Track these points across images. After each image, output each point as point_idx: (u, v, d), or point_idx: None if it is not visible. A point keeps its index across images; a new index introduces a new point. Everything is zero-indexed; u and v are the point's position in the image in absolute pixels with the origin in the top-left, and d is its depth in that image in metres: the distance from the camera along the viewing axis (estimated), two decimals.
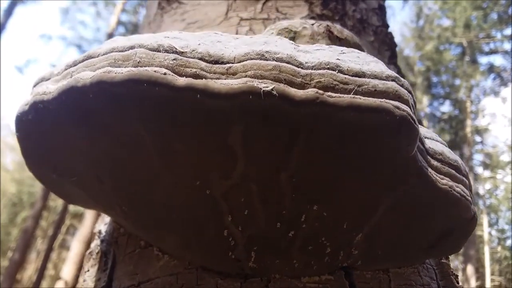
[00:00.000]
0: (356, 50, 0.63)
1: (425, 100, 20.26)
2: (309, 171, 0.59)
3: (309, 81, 0.53)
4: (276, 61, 0.54)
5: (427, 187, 0.59)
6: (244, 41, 0.60)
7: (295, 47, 0.60)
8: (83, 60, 0.61)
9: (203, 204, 0.65)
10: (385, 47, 1.21)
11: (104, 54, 0.59)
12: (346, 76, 0.54)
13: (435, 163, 0.61)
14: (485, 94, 20.53)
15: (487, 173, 21.43)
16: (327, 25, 0.83)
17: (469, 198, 0.63)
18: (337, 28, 0.84)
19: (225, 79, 0.53)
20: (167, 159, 0.62)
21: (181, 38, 0.59)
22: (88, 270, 0.93)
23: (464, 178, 0.65)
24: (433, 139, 0.67)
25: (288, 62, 0.54)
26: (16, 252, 19.39)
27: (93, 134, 0.64)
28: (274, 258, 0.69)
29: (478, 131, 20.36)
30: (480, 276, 19.14)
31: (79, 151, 0.69)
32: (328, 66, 0.54)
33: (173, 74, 0.54)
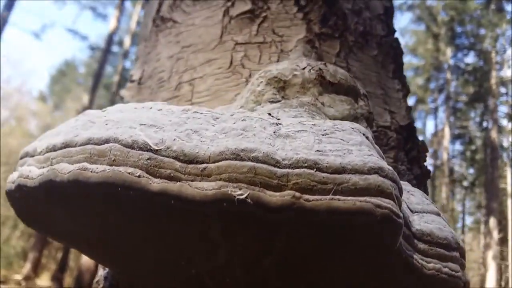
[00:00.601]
0: (341, 126, 0.60)
1: (448, 51, 19.54)
2: (292, 257, 0.58)
3: (286, 183, 0.51)
4: (251, 161, 0.52)
5: (413, 274, 0.58)
6: (222, 128, 0.57)
7: (275, 130, 0.57)
8: (61, 148, 0.61)
9: (189, 278, 0.66)
10: (389, 59, 1.15)
11: (81, 145, 0.58)
12: (325, 174, 0.52)
13: (422, 246, 0.60)
14: (511, 44, 19.62)
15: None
16: (319, 69, 0.79)
17: (457, 275, 0.62)
18: (330, 71, 0.79)
19: (200, 181, 0.52)
20: (151, 242, 0.62)
21: (158, 127, 0.57)
22: None
23: (454, 253, 0.63)
24: (424, 212, 0.64)
25: (264, 162, 0.52)
26: None
27: (74, 214, 0.64)
28: None
29: (503, 82, 19.63)
30: (502, 228, 19.12)
31: (65, 221, 0.69)
32: (306, 164, 0.52)
33: (148, 176, 0.53)
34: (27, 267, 20.62)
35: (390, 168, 0.55)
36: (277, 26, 1.05)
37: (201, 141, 0.55)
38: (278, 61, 1.00)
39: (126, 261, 0.73)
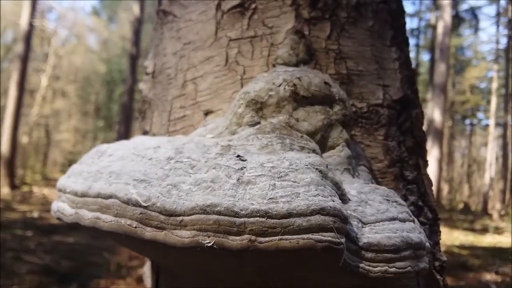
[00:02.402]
0: (296, 166, 0.71)
1: None
2: (265, 272, 0.75)
3: (244, 229, 0.66)
4: (216, 214, 0.66)
5: (360, 278, 0.73)
6: (196, 180, 0.71)
7: (238, 178, 0.70)
8: (81, 196, 0.78)
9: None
10: (387, 26, 1.16)
11: (93, 197, 0.76)
12: (274, 220, 0.65)
13: (369, 255, 0.73)
14: None
15: None
16: (294, 85, 0.87)
17: (406, 270, 0.75)
18: (303, 86, 0.87)
19: (180, 229, 0.68)
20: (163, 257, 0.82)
21: (147, 181, 0.72)
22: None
23: (404, 253, 0.75)
24: (377, 222, 0.76)
25: (225, 214, 0.66)
26: (121, 125, 21.88)
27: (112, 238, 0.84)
28: None
29: None
30: None
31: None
32: (258, 214, 0.66)
33: (142, 226, 0.70)
34: None
35: (332, 205, 0.67)
36: (266, 17, 1.09)
37: (178, 196, 0.70)
38: (269, 55, 1.07)
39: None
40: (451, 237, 13.55)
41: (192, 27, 1.16)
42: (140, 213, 0.70)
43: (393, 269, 0.74)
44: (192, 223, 0.67)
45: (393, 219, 0.78)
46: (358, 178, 0.90)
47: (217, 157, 0.75)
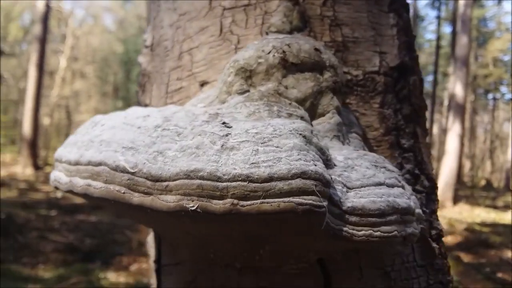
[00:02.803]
0: (279, 131, 0.72)
1: None
2: (251, 235, 0.76)
3: (226, 193, 0.67)
4: (199, 179, 0.68)
5: (343, 241, 0.74)
6: (181, 146, 0.72)
7: (222, 144, 0.71)
8: (74, 164, 0.81)
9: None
10: None
11: (85, 165, 0.78)
12: (256, 184, 0.66)
13: (354, 219, 0.73)
14: None
15: None
16: (283, 52, 0.86)
17: (392, 234, 0.75)
18: (293, 52, 0.86)
19: (165, 194, 0.70)
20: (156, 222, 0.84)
21: (134, 149, 0.74)
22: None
23: (389, 218, 0.76)
24: (362, 187, 0.76)
25: (208, 179, 0.67)
26: (139, 106, 22.09)
27: (105, 206, 0.87)
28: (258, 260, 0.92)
29: None
30: None
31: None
32: (240, 178, 0.67)
33: (130, 192, 0.72)
34: None
35: (313, 169, 0.67)
36: None
37: (164, 162, 0.71)
38: (263, 24, 1.06)
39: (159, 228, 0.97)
40: (473, 214, 13.43)
41: None
42: (128, 179, 0.72)
43: (378, 233, 0.75)
44: (176, 188, 0.69)
45: (379, 184, 0.78)
46: (349, 145, 0.90)
47: (203, 124, 0.76)
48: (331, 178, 0.74)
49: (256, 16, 1.07)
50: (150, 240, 1.25)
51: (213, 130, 0.74)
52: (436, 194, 1.09)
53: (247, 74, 0.87)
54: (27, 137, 18.39)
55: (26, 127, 18.42)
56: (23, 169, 18.35)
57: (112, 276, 8.00)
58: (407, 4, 1.20)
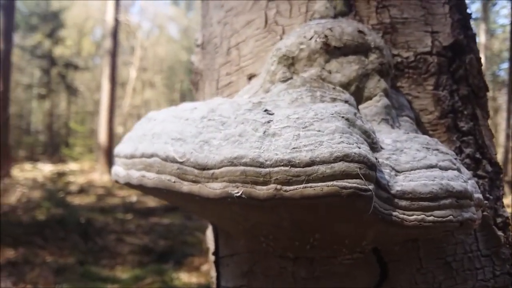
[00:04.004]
0: (321, 115, 0.71)
1: None
2: (299, 221, 0.76)
3: (269, 179, 0.68)
4: (242, 165, 0.69)
5: (394, 226, 0.71)
6: (225, 135, 0.74)
7: (265, 130, 0.72)
8: (130, 158, 0.86)
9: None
10: None
11: (139, 158, 0.82)
12: (298, 169, 0.66)
13: (404, 203, 0.71)
14: None
15: None
16: (325, 37, 0.85)
17: (446, 219, 0.71)
18: (335, 36, 0.85)
19: (212, 182, 0.72)
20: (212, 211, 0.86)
21: (182, 139, 0.77)
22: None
23: (443, 201, 0.72)
24: (412, 169, 0.73)
25: (251, 165, 0.68)
26: None
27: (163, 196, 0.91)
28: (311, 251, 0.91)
29: None
30: None
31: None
32: (282, 163, 0.67)
33: (180, 181, 0.75)
34: None
35: (357, 152, 0.66)
36: None
37: (209, 151, 0.73)
38: (307, 11, 1.05)
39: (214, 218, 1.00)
40: None
41: None
42: (177, 169, 0.75)
43: (431, 218, 0.71)
44: (222, 175, 0.71)
45: (431, 166, 0.75)
46: (399, 128, 0.87)
47: (245, 112, 0.77)
48: (378, 161, 0.72)
49: (300, 4, 1.06)
50: (209, 233, 1.28)
51: (255, 118, 0.75)
52: (501, 180, 1.01)
53: (290, 62, 0.87)
54: (103, 145, 19.60)
55: (102, 136, 19.64)
56: (100, 176, 19.56)
57: (184, 276, 8.27)
58: None
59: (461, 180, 0.77)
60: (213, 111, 0.81)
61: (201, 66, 1.31)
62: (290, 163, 0.67)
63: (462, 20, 1.07)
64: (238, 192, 0.68)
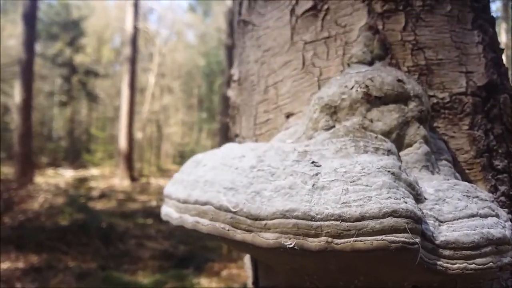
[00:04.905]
0: (368, 170, 0.75)
1: None
2: (346, 266, 0.81)
3: (320, 232, 0.72)
4: (294, 218, 0.74)
5: (438, 275, 0.75)
6: (276, 186, 0.79)
7: (313, 183, 0.76)
8: (183, 202, 0.91)
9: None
10: (466, 9, 1.11)
11: (193, 204, 0.88)
12: (348, 223, 0.71)
13: (447, 253, 0.75)
14: None
15: None
16: (366, 87, 0.90)
17: (487, 266, 0.75)
18: (376, 86, 0.89)
19: (264, 232, 0.77)
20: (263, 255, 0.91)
21: (234, 189, 0.82)
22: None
23: (484, 249, 0.76)
24: (455, 219, 0.77)
25: (303, 218, 0.73)
26: (222, 116, 22.88)
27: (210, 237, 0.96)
28: None
29: None
30: None
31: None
32: (333, 218, 0.72)
33: (233, 229, 0.80)
34: None
35: (404, 207, 0.70)
36: (339, 16, 1.12)
37: (261, 202, 0.78)
38: (344, 54, 1.10)
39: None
40: None
41: (270, 34, 1.23)
42: (231, 218, 0.80)
43: (472, 266, 0.75)
44: (274, 227, 0.76)
45: (472, 215, 0.78)
46: (439, 174, 0.91)
47: (293, 164, 0.82)
48: (423, 212, 0.76)
49: (337, 47, 1.11)
50: (247, 261, 1.34)
51: (303, 170, 0.80)
52: None
53: (332, 110, 0.92)
54: (123, 151, 19.89)
55: (122, 142, 19.94)
56: (120, 181, 19.86)
57: (204, 282, 8.33)
58: (492, 18, 1.16)
59: (500, 226, 0.80)
60: (261, 160, 0.86)
61: (238, 101, 1.36)
62: (341, 218, 0.71)
63: (494, 58, 1.10)
64: (291, 244, 0.73)
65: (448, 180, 0.87)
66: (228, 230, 0.80)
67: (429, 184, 0.84)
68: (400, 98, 0.91)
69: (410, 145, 0.90)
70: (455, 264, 0.75)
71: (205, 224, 0.84)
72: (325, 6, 1.13)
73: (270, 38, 1.23)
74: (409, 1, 1.09)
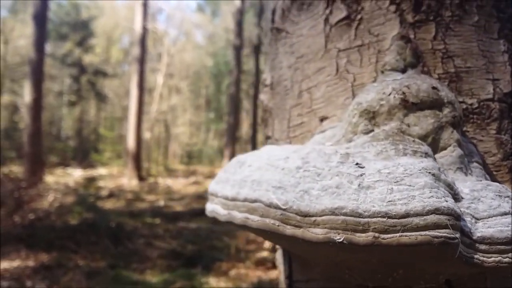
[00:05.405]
0: (410, 171, 0.82)
1: None
2: (388, 262, 0.87)
3: (368, 228, 0.79)
4: (343, 215, 0.80)
5: (475, 268, 0.81)
6: (323, 186, 0.86)
7: (359, 183, 0.83)
8: (232, 200, 0.98)
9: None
10: (493, 20, 1.18)
11: (242, 201, 0.95)
12: (394, 220, 0.77)
13: (483, 247, 0.81)
14: None
15: None
16: (403, 93, 0.96)
17: None
18: (412, 93, 0.96)
19: (313, 227, 0.84)
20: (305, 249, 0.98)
21: (283, 188, 0.89)
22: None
23: None
24: (489, 217, 0.84)
25: (351, 215, 0.80)
26: (230, 116, 23.00)
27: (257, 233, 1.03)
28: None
29: None
30: None
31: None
32: (380, 215, 0.78)
33: (283, 225, 0.87)
34: (226, 161, 24.33)
35: (445, 205, 0.77)
36: (372, 26, 1.18)
37: (310, 200, 0.85)
38: (377, 62, 1.16)
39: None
40: None
41: (304, 41, 1.30)
42: (281, 214, 0.87)
43: (506, 259, 0.82)
44: (323, 223, 0.82)
45: (505, 213, 0.85)
46: (471, 175, 0.97)
47: (338, 165, 0.89)
48: (461, 210, 0.82)
49: (370, 55, 1.18)
50: (279, 257, 1.40)
51: (348, 171, 0.86)
52: None
53: (371, 115, 0.99)
54: (132, 151, 20.02)
55: (130, 142, 20.07)
56: (129, 181, 20.00)
57: (213, 281, 8.39)
58: None
59: None
60: (307, 162, 0.93)
61: (270, 104, 1.43)
62: (387, 215, 0.78)
63: None
64: (340, 238, 0.80)
65: (480, 181, 0.94)
66: (278, 225, 0.87)
67: (463, 185, 0.91)
68: (435, 104, 0.97)
69: (444, 148, 0.97)
70: (490, 257, 0.82)
71: (255, 220, 0.91)
72: (359, 16, 1.20)
73: (304, 45, 1.30)
74: (439, 11, 1.15)
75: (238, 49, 22.53)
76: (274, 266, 9.11)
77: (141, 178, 20.18)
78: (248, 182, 0.97)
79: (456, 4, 1.16)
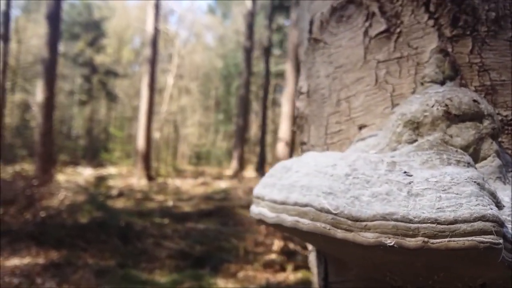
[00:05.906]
0: (457, 180, 0.87)
1: None
2: (432, 265, 0.93)
3: (417, 233, 0.84)
4: (393, 221, 0.86)
5: None
6: (373, 193, 0.91)
7: (408, 191, 0.89)
8: (281, 204, 1.04)
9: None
10: None
11: (292, 205, 1.01)
12: (443, 226, 0.83)
13: None
14: None
15: None
16: (446, 105, 1.02)
17: None
18: (455, 105, 1.01)
19: (364, 232, 0.89)
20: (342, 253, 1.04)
21: (333, 194, 0.95)
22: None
23: None
24: None
25: (402, 221, 0.86)
26: (239, 118, 23.10)
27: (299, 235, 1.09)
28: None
29: None
30: None
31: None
32: (429, 221, 0.84)
33: (334, 228, 0.93)
34: (234, 163, 24.44)
35: (491, 213, 0.82)
36: (411, 39, 1.24)
37: (361, 206, 0.91)
38: (416, 73, 1.22)
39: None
40: None
41: (342, 52, 1.36)
42: (332, 218, 0.93)
43: None
44: (374, 227, 0.88)
45: None
46: (509, 184, 1.02)
47: (387, 173, 0.94)
48: (503, 218, 0.88)
49: (409, 67, 1.23)
50: (312, 259, 1.46)
51: (397, 179, 0.92)
52: None
53: (414, 126, 1.04)
54: (141, 150, 20.16)
55: (140, 142, 20.21)
56: (138, 180, 20.12)
57: (221, 283, 8.45)
58: None
59: None
60: (355, 169, 0.98)
61: (306, 111, 1.49)
62: (437, 221, 0.84)
63: None
64: (390, 242, 0.86)
65: None
66: (329, 229, 0.93)
67: (503, 193, 0.96)
68: (476, 116, 1.02)
69: (484, 159, 1.02)
70: None
71: (305, 223, 0.97)
72: (398, 30, 1.25)
73: (343, 56, 1.36)
74: (475, 26, 1.20)
75: (248, 51, 22.63)
76: (282, 269, 9.16)
77: (150, 178, 20.31)
78: (297, 187, 1.02)
79: (491, 20, 1.21)
